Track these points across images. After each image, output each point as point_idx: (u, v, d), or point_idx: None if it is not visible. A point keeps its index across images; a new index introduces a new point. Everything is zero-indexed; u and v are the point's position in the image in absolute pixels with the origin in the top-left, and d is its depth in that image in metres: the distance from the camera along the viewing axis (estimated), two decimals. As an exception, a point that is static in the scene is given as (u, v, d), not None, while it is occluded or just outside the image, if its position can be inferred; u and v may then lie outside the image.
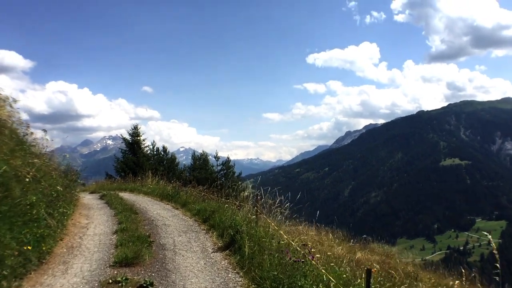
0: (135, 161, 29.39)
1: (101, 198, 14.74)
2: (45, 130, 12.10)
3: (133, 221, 9.83)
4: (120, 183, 21.16)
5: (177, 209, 12.39)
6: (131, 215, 10.64)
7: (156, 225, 9.85)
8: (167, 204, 13.54)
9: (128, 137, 30.99)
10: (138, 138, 30.94)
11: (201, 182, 32.07)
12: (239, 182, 33.38)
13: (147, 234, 8.64)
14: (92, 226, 9.73)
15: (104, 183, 22.35)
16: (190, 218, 10.81)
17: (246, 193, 9.82)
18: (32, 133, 11.52)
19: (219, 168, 32.74)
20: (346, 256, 8.09)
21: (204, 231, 9.28)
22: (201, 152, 34.98)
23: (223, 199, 11.11)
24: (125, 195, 16.52)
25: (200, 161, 33.50)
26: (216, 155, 32.55)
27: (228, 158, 33.63)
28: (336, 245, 9.96)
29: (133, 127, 31.13)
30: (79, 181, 13.37)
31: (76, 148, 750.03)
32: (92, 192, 17.87)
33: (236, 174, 33.30)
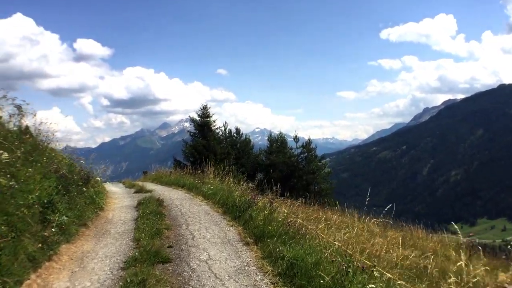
0: (205, 145, 24.43)
1: (137, 207, 9.21)
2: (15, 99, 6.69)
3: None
4: (179, 175, 15.74)
5: (247, 244, 6.22)
6: (151, 273, 4.73)
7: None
8: (231, 225, 7.46)
9: (197, 118, 26.07)
10: (208, 119, 25.78)
11: (278, 167, 26.51)
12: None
13: None
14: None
15: (162, 174, 17.44)
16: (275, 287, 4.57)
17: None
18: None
19: (298, 151, 27.25)
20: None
21: None
22: (278, 133, 29.66)
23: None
24: (178, 198, 10.96)
25: (277, 143, 28.19)
26: (296, 136, 27.44)
27: (309, 139, 27.92)
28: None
29: (202, 107, 25.97)
30: (90, 187, 7.77)
31: (155, 131, 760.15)
32: (138, 191, 12.64)
33: (318, 158, 27.44)
